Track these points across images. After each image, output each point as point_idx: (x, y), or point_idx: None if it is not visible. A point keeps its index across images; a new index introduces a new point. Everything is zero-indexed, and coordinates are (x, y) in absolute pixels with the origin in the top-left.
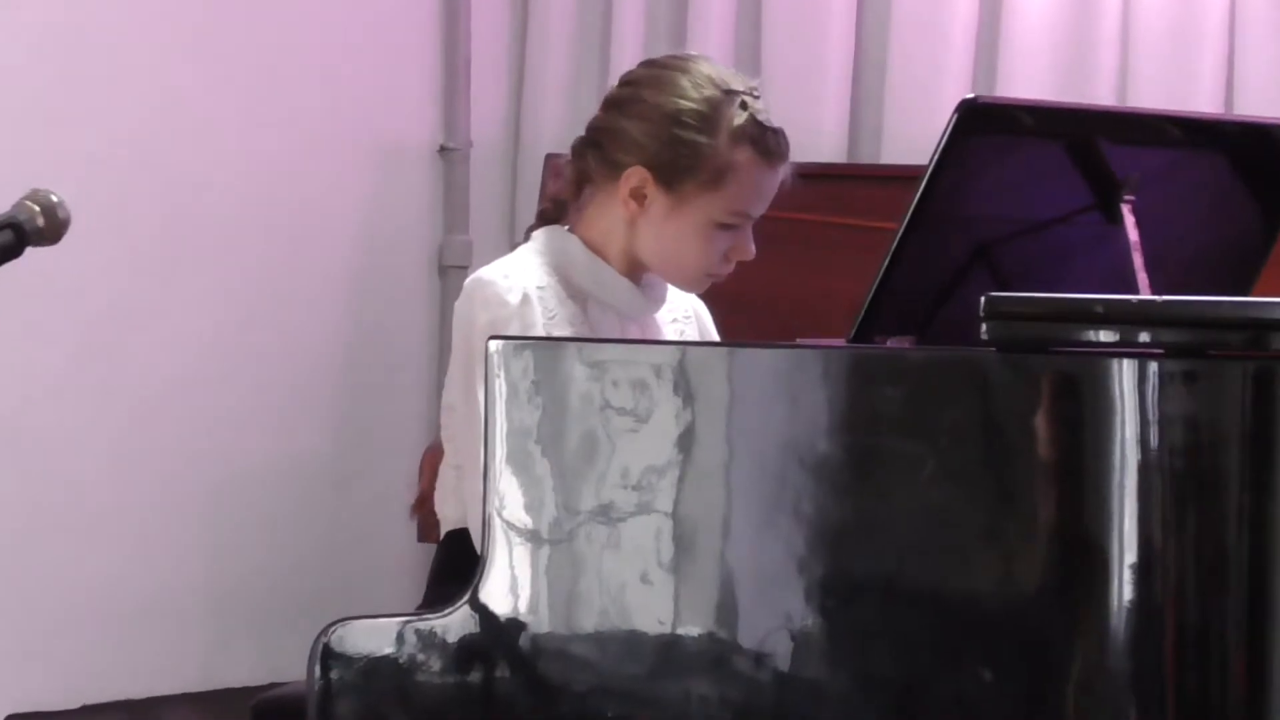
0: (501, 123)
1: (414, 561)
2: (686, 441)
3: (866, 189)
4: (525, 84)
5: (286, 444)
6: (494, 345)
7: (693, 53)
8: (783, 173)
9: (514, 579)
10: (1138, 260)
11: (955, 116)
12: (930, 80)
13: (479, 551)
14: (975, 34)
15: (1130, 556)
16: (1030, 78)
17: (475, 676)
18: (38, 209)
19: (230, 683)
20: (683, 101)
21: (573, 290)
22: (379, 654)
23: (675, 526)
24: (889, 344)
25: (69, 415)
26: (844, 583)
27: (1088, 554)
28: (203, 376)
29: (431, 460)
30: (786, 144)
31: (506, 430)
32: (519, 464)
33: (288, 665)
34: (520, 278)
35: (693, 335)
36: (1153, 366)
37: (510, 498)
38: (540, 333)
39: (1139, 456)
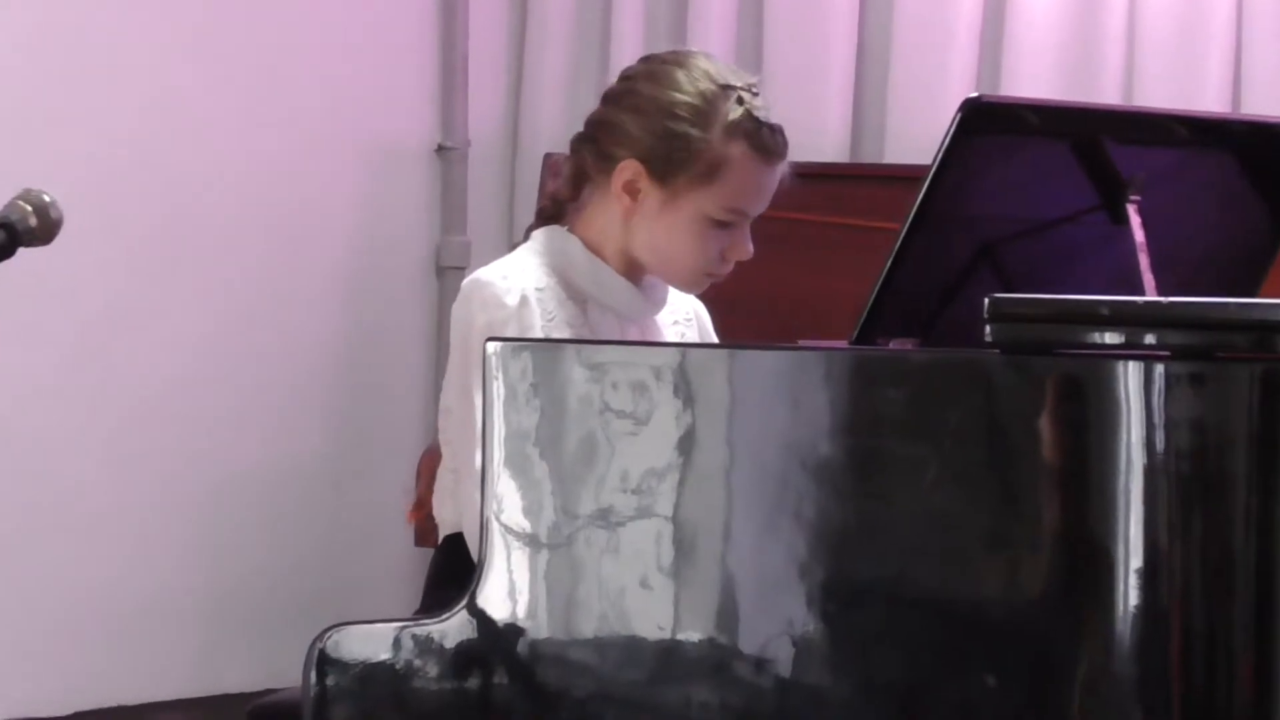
0: (500, 122)
1: (411, 566)
2: (687, 444)
3: (869, 189)
4: (524, 82)
5: (283, 447)
6: (492, 347)
7: (693, 49)
8: (781, 171)
9: (512, 584)
10: (1144, 261)
11: (959, 115)
12: (934, 79)
13: (475, 556)
14: (979, 32)
15: (1136, 560)
16: (1035, 76)
17: (473, 683)
18: (30, 209)
19: (225, 688)
20: (677, 95)
21: (572, 292)
22: (375, 659)
23: (675, 530)
24: (892, 346)
25: (64, 417)
26: (846, 587)
27: (1093, 558)
28: (198, 379)
29: (429, 463)
30: (784, 142)
31: (504, 433)
32: (517, 467)
33: (284, 670)
34: (519, 279)
35: (693, 338)
36: (1159, 369)
37: (508, 501)
38: (539, 335)
39: (1145, 460)
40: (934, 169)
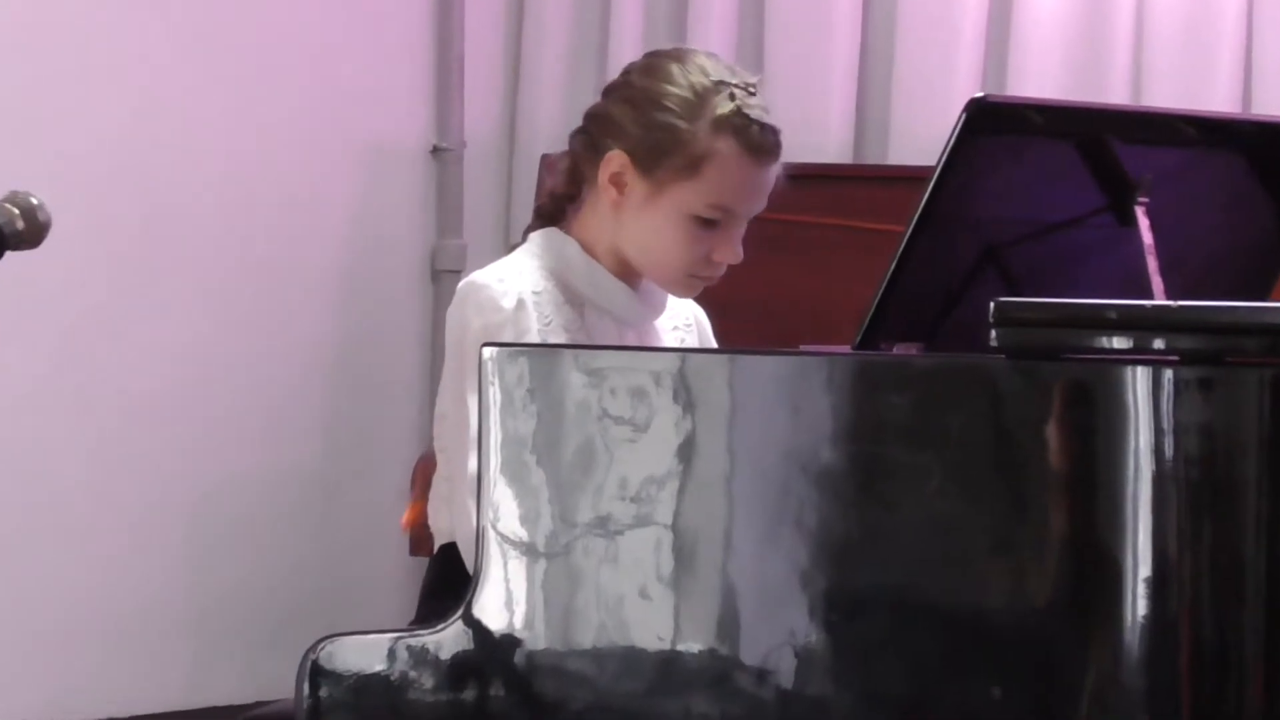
0: (496, 122)
1: (406, 575)
2: (687, 451)
3: (872, 190)
4: (521, 82)
5: (274, 454)
6: (488, 352)
7: (697, 48)
8: (772, 172)
9: (509, 593)
10: (1152, 264)
11: (964, 115)
12: (938, 78)
13: (470, 565)
14: (985, 30)
15: (1144, 568)
16: (1042, 75)
17: (469, 694)
18: (17, 211)
19: (215, 701)
20: (668, 86)
21: (569, 295)
22: (370, 671)
23: (675, 539)
24: (895, 350)
25: (50, 422)
26: (849, 597)
27: (1100, 566)
28: (187, 384)
29: (424, 471)
30: (776, 142)
31: (501, 440)
32: (514, 475)
33: (275, 683)
34: (515, 282)
35: (692, 343)
36: (1167, 374)
37: (505, 509)
38: (535, 339)
39: (1153, 466)
40: (939, 170)
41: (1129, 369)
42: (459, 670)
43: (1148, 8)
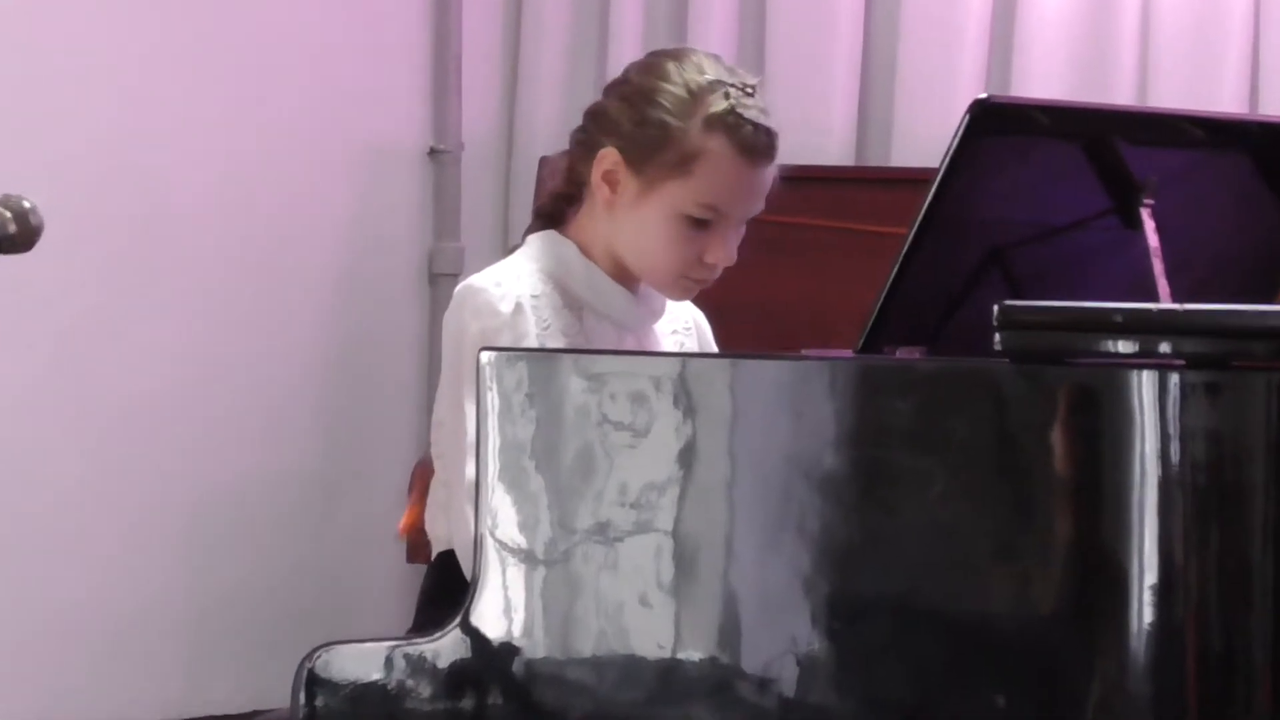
0: (494, 123)
1: (403, 583)
2: (687, 457)
3: (875, 192)
4: (519, 83)
5: (270, 460)
6: (486, 357)
7: (700, 49)
8: (767, 174)
9: (507, 601)
10: (1158, 267)
11: (968, 117)
12: (942, 79)
13: (468, 572)
14: (989, 30)
15: (1150, 575)
16: (1046, 76)
17: (467, 703)
18: (9, 215)
19: (210, 709)
20: (663, 84)
21: (568, 299)
22: (367, 680)
23: (676, 546)
24: (898, 354)
25: (43, 427)
26: (852, 604)
27: (1106, 572)
28: (182, 389)
29: (421, 477)
30: (770, 143)
31: (499, 445)
32: (512, 481)
33: (270, 691)
34: (513, 285)
35: (692, 347)
36: (1174, 378)
37: (503, 516)
38: (534, 343)
39: (1159, 471)
40: (942, 172)
41: (1134, 373)
42: (457, 679)
43: (1153, 7)
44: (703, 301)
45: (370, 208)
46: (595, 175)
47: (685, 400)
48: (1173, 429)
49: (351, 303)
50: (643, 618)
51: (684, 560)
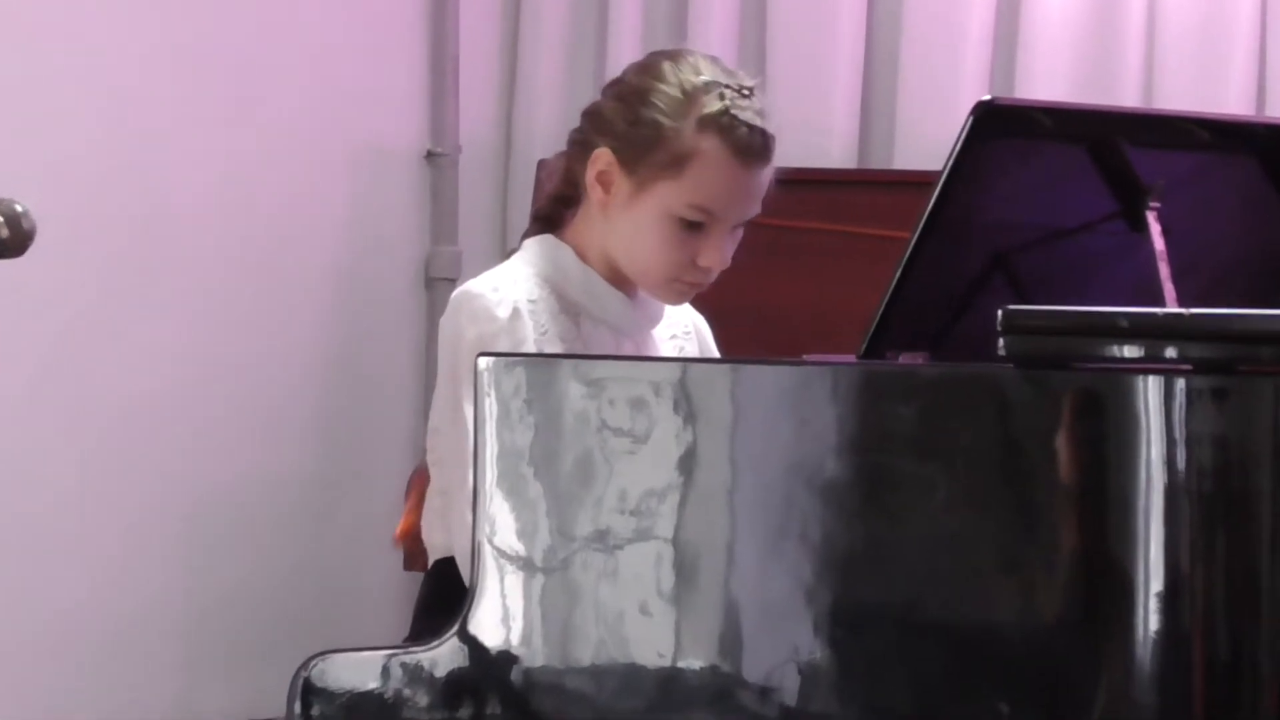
0: (492, 126)
1: (400, 591)
2: (687, 463)
3: (877, 195)
4: (517, 85)
5: (265, 466)
6: (483, 362)
7: (699, 51)
8: (762, 177)
9: (505, 609)
10: (1164, 270)
11: (971, 119)
12: (945, 80)
13: (467, 580)
14: (992, 31)
15: (1156, 583)
16: (1051, 77)
17: (465, 713)
18: (1, 219)
19: (205, 716)
20: (658, 83)
21: (566, 304)
22: (363, 689)
23: (676, 553)
24: (901, 360)
25: (37, 431)
26: (854, 612)
27: (1111, 579)
28: (176, 394)
29: (418, 485)
30: (765, 145)
31: (497, 452)
32: (510, 488)
33: (265, 700)
34: (510, 290)
35: (692, 351)
36: (1180, 383)
37: (501, 523)
38: (531, 349)
39: (1165, 478)
40: (945, 175)
41: (1140, 378)
42: (454, 688)
43: (1160, 7)
44: (703, 306)
45: (367, 211)
46: (590, 176)
47: (685, 406)
48: (1179, 434)
49: (348, 307)
50: (643, 626)
51: (684, 568)
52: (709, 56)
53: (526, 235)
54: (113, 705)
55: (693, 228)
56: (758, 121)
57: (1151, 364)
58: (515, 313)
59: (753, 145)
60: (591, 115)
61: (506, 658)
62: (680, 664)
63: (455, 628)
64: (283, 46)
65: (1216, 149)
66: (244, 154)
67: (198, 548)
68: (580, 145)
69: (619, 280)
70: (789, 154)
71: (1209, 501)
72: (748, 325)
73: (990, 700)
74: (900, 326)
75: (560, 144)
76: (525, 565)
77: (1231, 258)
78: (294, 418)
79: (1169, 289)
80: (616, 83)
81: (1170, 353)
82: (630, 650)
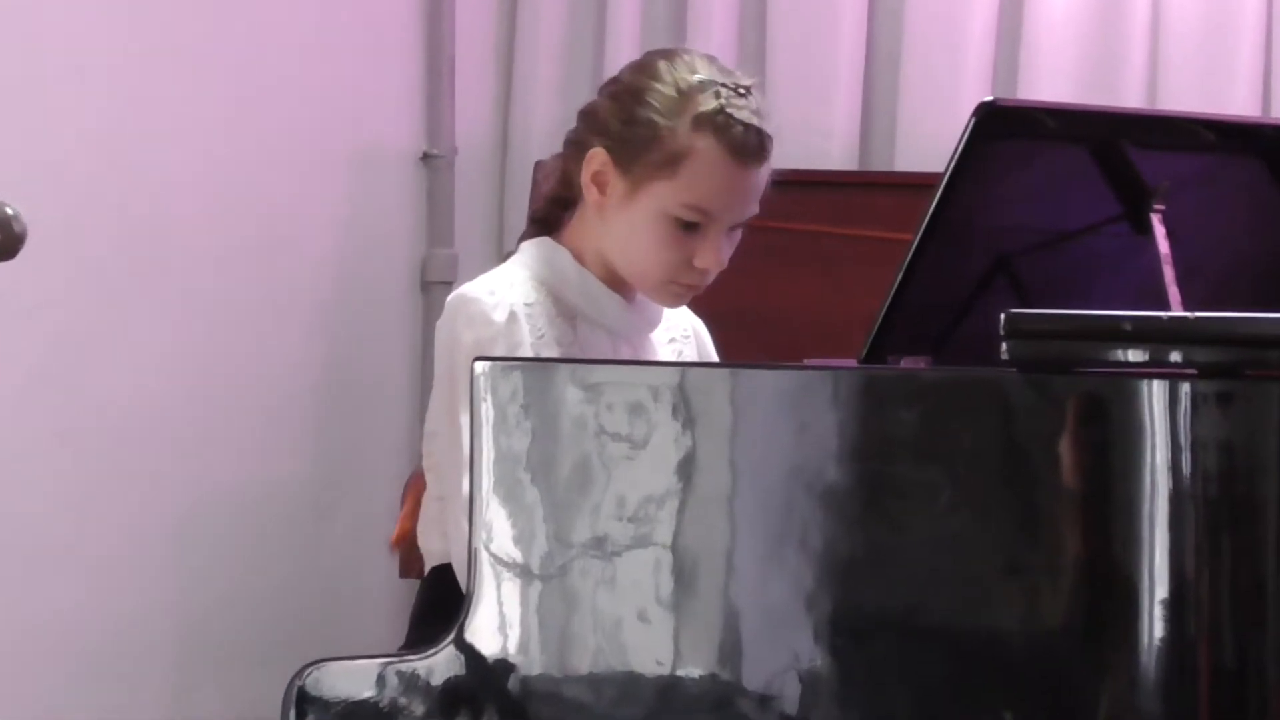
0: (488, 127)
1: (396, 598)
2: (687, 469)
3: (878, 197)
4: (514, 86)
5: (259, 472)
6: (480, 367)
7: (697, 50)
8: (758, 177)
9: (502, 617)
10: (1169, 273)
11: (973, 120)
12: (947, 81)
13: (464, 587)
14: (995, 30)
15: (1161, 590)
16: (1054, 77)
17: None
18: None
19: None
20: (653, 82)
21: (563, 308)
22: (358, 698)
23: (675, 560)
24: (903, 364)
25: (28, 438)
26: (855, 619)
27: (1116, 587)
28: (168, 400)
29: (414, 491)
30: (761, 144)
31: (494, 457)
32: (507, 494)
33: (259, 708)
34: (506, 294)
35: (691, 356)
36: (1185, 387)
37: (498, 530)
38: (528, 353)
39: (1171, 483)
40: (947, 176)
41: (1145, 383)
42: (451, 697)
43: (1164, 6)
44: (702, 309)
45: (362, 214)
46: (585, 176)
47: (684, 411)
48: (1184, 440)
49: (343, 311)
50: (641, 634)
51: (683, 575)
52: (706, 56)
53: (523, 238)
54: (105, 711)
55: (689, 228)
56: (754, 121)
57: (1156, 368)
58: (512, 316)
59: (748, 144)
60: (586, 115)
61: (504, 666)
62: (680, 672)
63: (452, 635)
64: (277, 47)
65: (1222, 150)
66: (238, 156)
67: (191, 553)
68: (575, 146)
69: (616, 283)
70: (789, 155)
71: (1214, 507)
72: (747, 329)
73: (993, 709)
74: (902, 330)
75: (558, 145)
76: (522, 572)
77: (1237, 260)
78: (289, 422)
79: (1174, 292)
80: (612, 82)
81: (1175, 357)
82: (629, 658)
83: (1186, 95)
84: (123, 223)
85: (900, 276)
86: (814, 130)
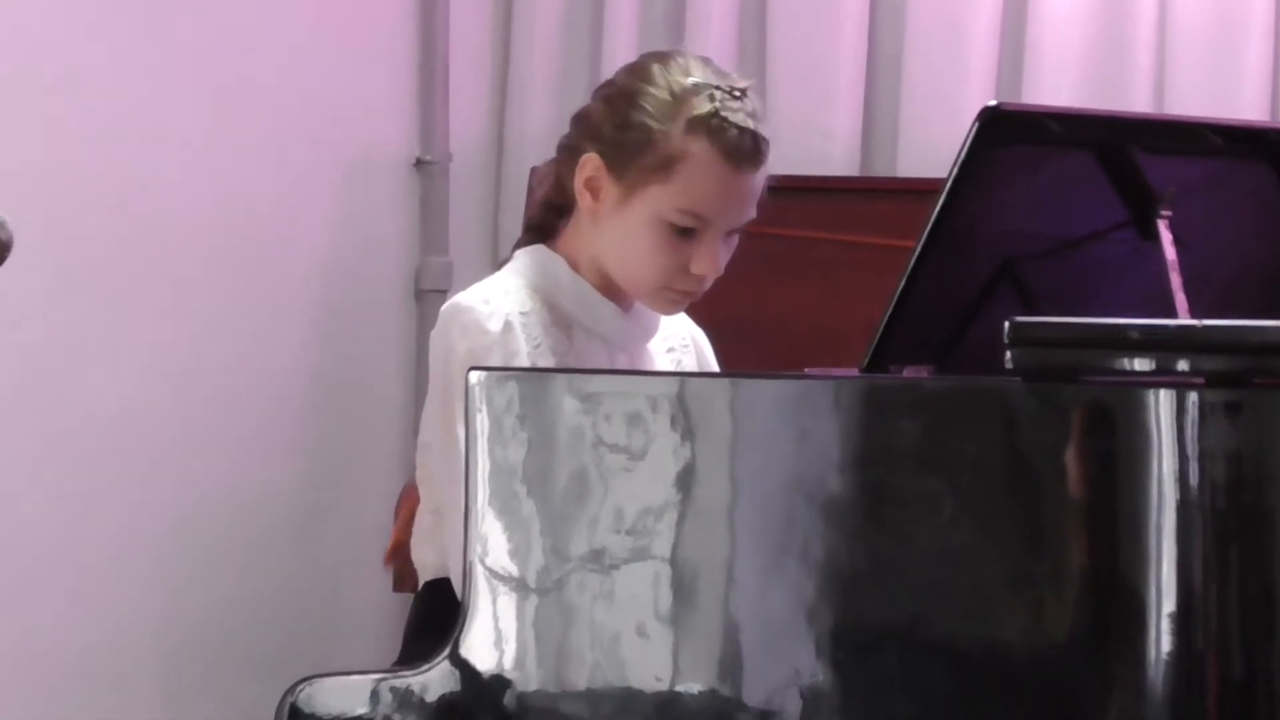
0: (483, 133)
1: (389, 612)
2: (685, 480)
3: (880, 204)
4: (509, 90)
5: (250, 483)
6: (475, 377)
7: (692, 52)
8: (754, 181)
9: (498, 631)
10: (1175, 280)
11: (977, 125)
12: (950, 85)
13: (460, 601)
14: (999, 34)
15: (1169, 602)
16: (1058, 80)
17: None
18: None
19: None
20: (646, 85)
21: (558, 317)
22: (352, 714)
23: (674, 573)
24: (905, 373)
25: (14, 446)
26: (857, 633)
27: (1122, 600)
28: (158, 409)
29: (408, 503)
30: (756, 148)
31: (489, 469)
32: (503, 506)
33: None
34: (501, 303)
35: (690, 365)
36: (1192, 397)
37: (494, 543)
38: (524, 363)
39: (1177, 493)
40: (950, 182)
41: (1151, 392)
42: (445, 713)
43: (1171, 10)
44: (702, 318)
45: (355, 220)
46: (578, 182)
47: (683, 421)
48: (1191, 449)
49: (335, 319)
50: (639, 649)
51: (682, 588)
52: (701, 58)
53: (518, 245)
54: None
55: (684, 234)
56: (749, 124)
57: (1163, 377)
58: (507, 325)
59: (743, 148)
60: (580, 120)
61: (500, 682)
62: (678, 687)
63: (447, 651)
64: (270, 52)
65: (1229, 155)
66: (230, 162)
67: (180, 564)
68: (569, 151)
69: (613, 291)
70: (789, 158)
71: (1222, 518)
72: (747, 337)
73: None
74: (904, 338)
75: (553, 151)
76: (519, 586)
77: (1245, 267)
78: (281, 432)
79: (1181, 299)
80: (605, 86)
81: (1182, 365)
82: (627, 673)
83: (1193, 96)
84: (115, 228)
85: (902, 284)
86: (815, 132)
